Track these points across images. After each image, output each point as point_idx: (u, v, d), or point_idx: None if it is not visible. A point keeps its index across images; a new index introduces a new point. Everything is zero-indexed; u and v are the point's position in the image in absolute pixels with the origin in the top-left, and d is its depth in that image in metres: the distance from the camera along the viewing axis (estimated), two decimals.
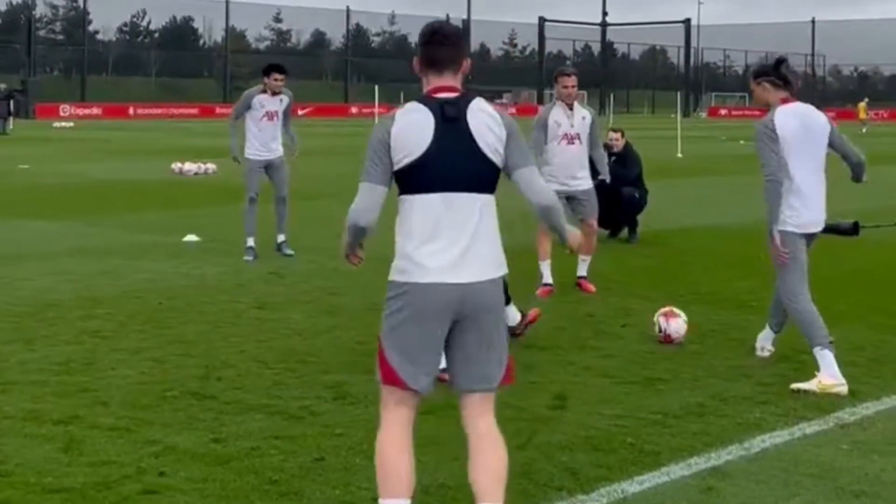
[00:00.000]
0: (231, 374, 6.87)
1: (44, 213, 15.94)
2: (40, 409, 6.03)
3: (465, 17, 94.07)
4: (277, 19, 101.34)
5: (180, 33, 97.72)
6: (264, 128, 11.75)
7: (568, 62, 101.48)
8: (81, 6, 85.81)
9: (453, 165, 4.25)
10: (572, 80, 9.89)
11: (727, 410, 6.19)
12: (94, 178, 22.80)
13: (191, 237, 13.01)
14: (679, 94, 54.90)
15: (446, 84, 4.37)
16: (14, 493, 4.79)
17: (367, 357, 6.74)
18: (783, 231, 6.70)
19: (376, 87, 51.00)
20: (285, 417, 5.97)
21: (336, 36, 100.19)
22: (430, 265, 4.20)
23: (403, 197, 4.29)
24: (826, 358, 6.58)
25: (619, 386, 6.71)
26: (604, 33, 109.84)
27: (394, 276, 4.28)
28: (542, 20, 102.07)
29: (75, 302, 9.12)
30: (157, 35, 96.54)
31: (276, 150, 11.84)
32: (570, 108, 9.93)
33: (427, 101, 4.32)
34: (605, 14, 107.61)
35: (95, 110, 72.38)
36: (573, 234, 4.66)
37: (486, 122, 4.32)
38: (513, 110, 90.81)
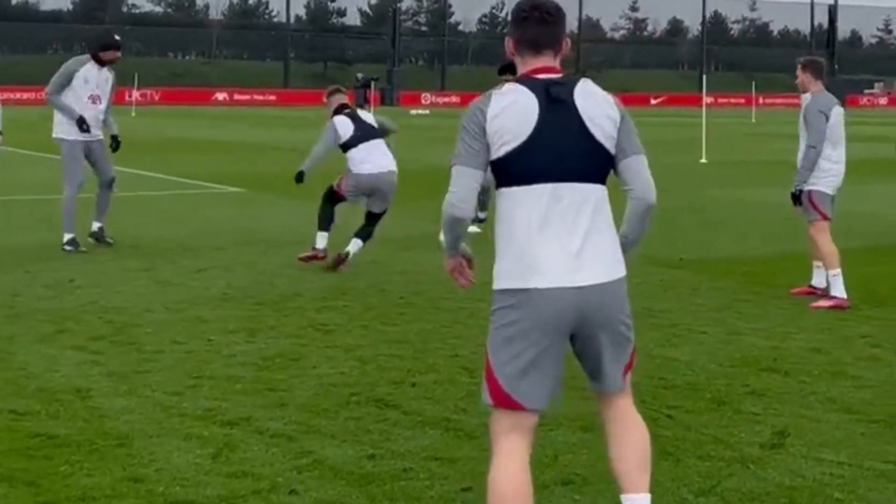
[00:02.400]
0: (428, 380, 6.45)
1: None
2: (218, 407, 5.86)
3: (831, 1, 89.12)
4: (634, 8, 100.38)
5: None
6: None
7: None
8: None
9: (563, 153, 3.70)
10: None
11: None
12: (421, 164, 23.11)
13: (473, 228, 12.72)
14: None
15: (546, 65, 3.79)
16: (132, 502, 4.58)
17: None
18: None
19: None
20: (459, 435, 5.46)
21: (694, 24, 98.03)
22: (546, 267, 3.66)
23: (504, 190, 3.75)
24: None
25: (858, 425, 5.70)
26: None
27: (500, 283, 3.75)
28: None
29: (322, 292, 9.03)
30: None
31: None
32: None
33: (528, 81, 3.75)
34: None
35: (454, 98, 74.51)
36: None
37: (598, 104, 3.76)
38: (883, 101, 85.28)
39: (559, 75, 3.79)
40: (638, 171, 3.82)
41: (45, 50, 76.14)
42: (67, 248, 10.87)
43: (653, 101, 78.65)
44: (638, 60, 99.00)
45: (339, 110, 10.55)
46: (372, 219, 10.42)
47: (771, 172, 21.99)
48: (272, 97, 70.10)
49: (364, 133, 10.39)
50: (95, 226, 11.37)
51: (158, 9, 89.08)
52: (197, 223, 13.38)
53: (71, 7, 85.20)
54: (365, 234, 10.31)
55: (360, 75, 54.16)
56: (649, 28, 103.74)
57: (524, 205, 3.70)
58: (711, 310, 8.58)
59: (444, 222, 3.82)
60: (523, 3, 3.84)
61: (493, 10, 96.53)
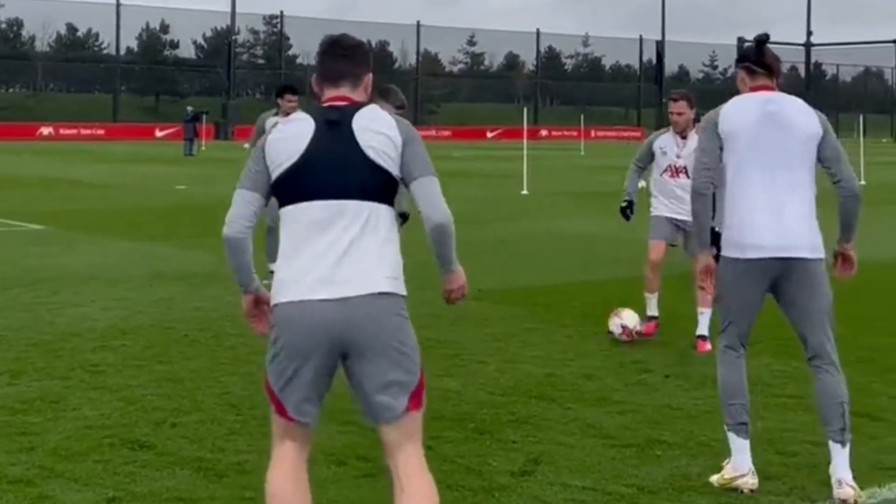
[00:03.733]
0: (192, 420, 6.29)
1: (155, 235, 15.87)
2: None
3: (659, 38, 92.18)
4: (471, 42, 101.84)
5: (377, 56, 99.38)
6: None
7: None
8: (279, 31, 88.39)
9: (333, 171, 3.77)
10: (679, 106, 8.73)
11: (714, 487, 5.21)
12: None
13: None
14: (894, 116, 52.01)
15: (342, 95, 3.89)
16: None
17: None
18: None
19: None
20: (209, 476, 5.34)
21: (529, 58, 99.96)
22: (295, 282, 3.75)
23: (282, 211, 3.85)
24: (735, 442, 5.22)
25: (611, 450, 5.79)
26: (808, 54, 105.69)
27: (273, 297, 3.86)
28: (741, 41, 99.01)
29: (103, 331, 8.77)
30: None
31: None
32: (683, 136, 8.72)
33: (314, 108, 3.89)
34: (809, 34, 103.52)
35: None
36: (458, 273, 4.02)
37: (375, 125, 3.81)
38: None
39: (346, 102, 3.88)
40: (427, 193, 3.85)
41: None
42: None
43: (489, 134, 79.80)
44: (475, 94, 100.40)
45: None
46: None
47: (587, 204, 22.50)
48: (101, 131, 68.43)
49: None
50: None
51: None
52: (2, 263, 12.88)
53: None
54: None
55: (189, 108, 53.40)
56: (486, 62, 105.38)
57: (291, 223, 3.82)
58: (496, 339, 8.66)
59: (224, 252, 3.89)
60: (325, 40, 3.99)
61: None
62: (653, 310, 8.89)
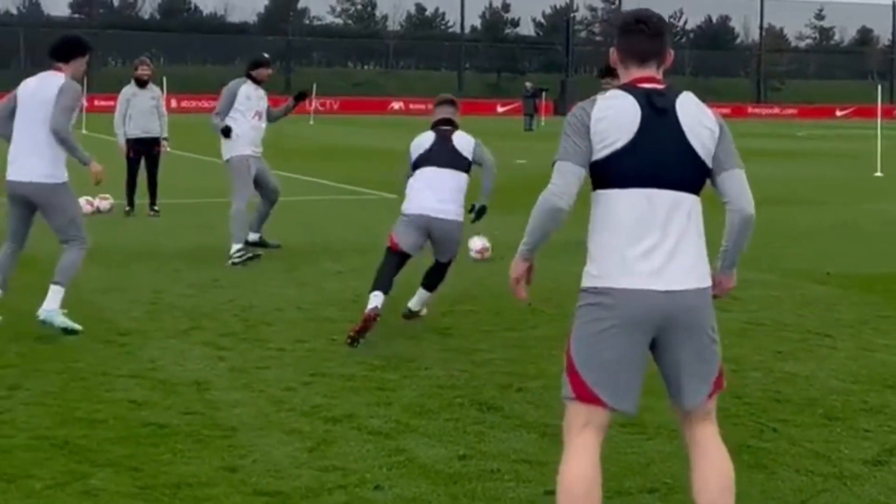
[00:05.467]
0: (537, 385, 6.47)
1: (496, 207, 16.23)
2: (325, 404, 6.03)
3: None
4: (819, 16, 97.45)
5: (716, 32, 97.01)
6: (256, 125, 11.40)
7: None
8: (618, 7, 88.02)
9: (661, 160, 3.78)
10: None
11: None
12: None
13: None
14: None
15: (650, 75, 3.89)
16: (223, 490, 4.77)
17: None
18: None
19: None
20: (555, 441, 5.37)
21: (884, 32, 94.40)
22: (636, 269, 3.74)
23: (600, 192, 3.85)
24: None
25: None
26: None
27: (591, 281, 3.82)
28: None
29: (452, 297, 9.12)
30: (692, 35, 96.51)
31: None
32: None
33: (631, 89, 3.84)
34: None
35: None
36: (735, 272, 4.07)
37: (698, 116, 3.84)
38: None
39: (662, 86, 3.87)
40: (735, 184, 3.89)
41: (233, 61, 78.93)
42: (236, 256, 10.66)
43: (839, 113, 76.21)
44: (824, 70, 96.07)
45: (435, 125, 8.25)
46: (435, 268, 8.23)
47: None
48: None
49: (432, 160, 7.99)
50: (253, 236, 11.58)
51: (339, 21, 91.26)
52: (346, 228, 13.69)
53: (256, 20, 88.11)
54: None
55: (528, 84, 54.32)
56: (836, 37, 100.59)
57: (619, 208, 3.79)
58: (847, 325, 8.32)
59: (537, 216, 3.86)
60: (629, 17, 3.97)
61: (671, 19, 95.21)
62: None
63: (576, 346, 3.84)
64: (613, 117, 3.79)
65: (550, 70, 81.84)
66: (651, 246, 3.75)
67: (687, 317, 3.79)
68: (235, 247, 10.75)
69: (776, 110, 77.92)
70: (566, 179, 3.81)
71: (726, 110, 76.50)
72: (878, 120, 26.75)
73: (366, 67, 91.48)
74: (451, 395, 6.22)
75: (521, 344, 7.53)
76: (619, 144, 3.77)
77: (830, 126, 58.47)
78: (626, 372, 3.78)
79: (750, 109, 77.83)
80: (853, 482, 4.94)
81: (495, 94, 78.34)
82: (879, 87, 29.58)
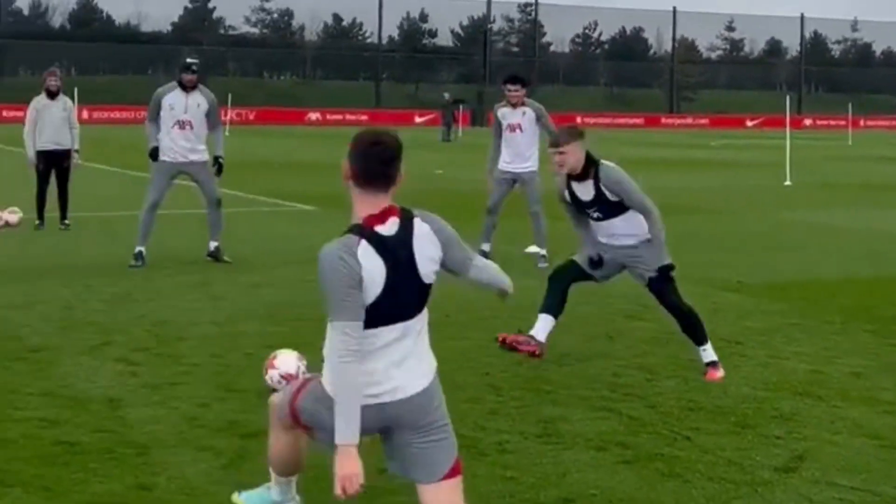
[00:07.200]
0: (454, 399, 6.43)
1: None
2: (240, 420, 5.97)
3: None
4: (730, 28, 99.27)
5: (630, 44, 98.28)
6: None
7: None
8: (534, 19, 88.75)
9: (405, 301, 4.02)
10: None
11: None
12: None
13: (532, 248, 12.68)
14: None
15: (383, 206, 3.99)
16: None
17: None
18: None
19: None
20: (472, 453, 5.47)
21: (792, 44, 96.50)
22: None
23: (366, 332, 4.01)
24: None
25: (881, 451, 5.59)
26: None
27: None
28: None
29: None
30: (606, 46, 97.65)
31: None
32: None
33: (373, 238, 3.93)
34: None
35: None
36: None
37: (427, 251, 4.05)
38: None
39: (397, 223, 3.96)
40: (485, 267, 4.30)
41: (146, 71, 77.96)
42: (132, 262, 11.16)
43: (749, 123, 77.62)
44: (734, 81, 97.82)
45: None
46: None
47: (855, 196, 21.62)
48: (364, 117, 70.78)
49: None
50: (212, 245, 11.72)
51: (255, 30, 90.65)
52: (265, 240, 13.59)
53: (170, 29, 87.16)
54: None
55: (446, 95, 54.69)
56: (746, 48, 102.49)
57: (382, 341, 4.02)
58: (758, 333, 8.47)
59: (340, 395, 3.95)
60: (366, 137, 4.00)
61: (586, 31, 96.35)
62: None
63: (309, 401, 4.21)
64: (371, 274, 3.93)
65: (469, 81, 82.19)
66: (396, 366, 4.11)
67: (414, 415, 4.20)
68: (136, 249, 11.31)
69: (689, 120, 79.08)
70: (358, 341, 3.94)
71: (640, 120, 77.75)
72: (787, 130, 27.37)
73: (282, 78, 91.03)
74: None
75: (438, 357, 7.50)
76: (372, 298, 3.96)
77: (741, 136, 59.58)
78: None
79: (663, 119, 78.96)
80: (764, 489, 5.04)
81: (413, 104, 78.36)
82: (788, 98, 30.30)
